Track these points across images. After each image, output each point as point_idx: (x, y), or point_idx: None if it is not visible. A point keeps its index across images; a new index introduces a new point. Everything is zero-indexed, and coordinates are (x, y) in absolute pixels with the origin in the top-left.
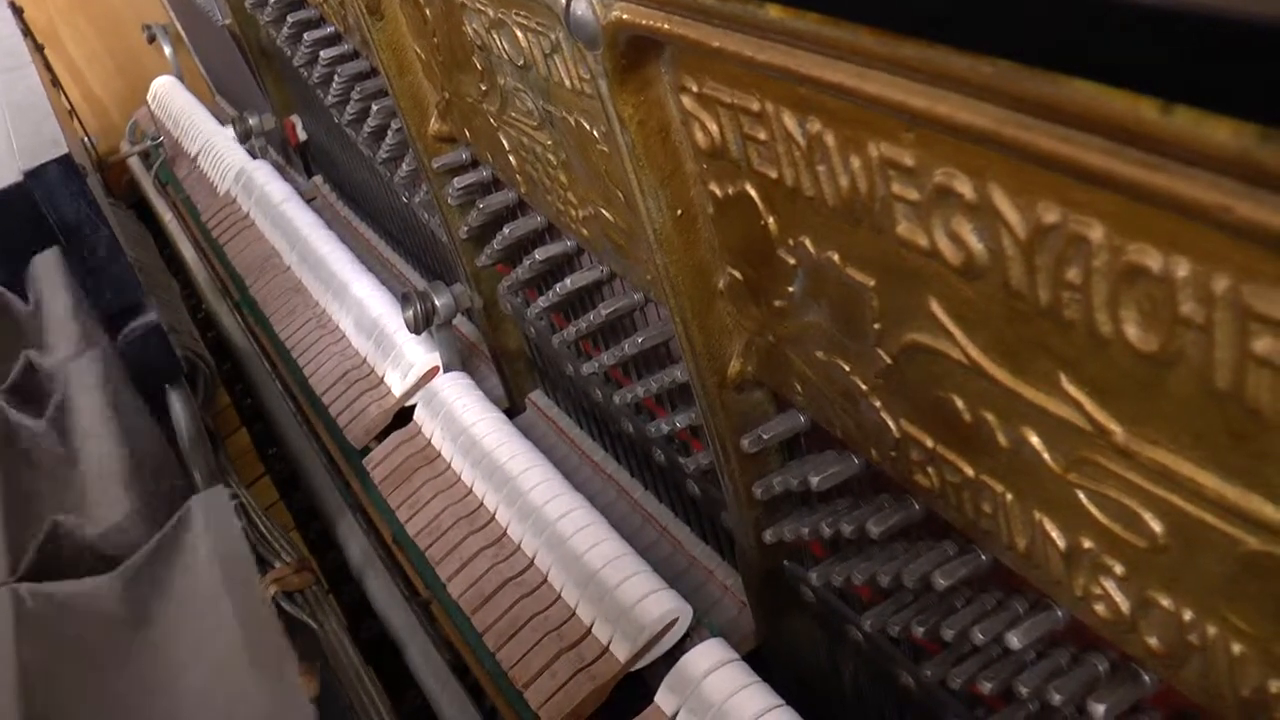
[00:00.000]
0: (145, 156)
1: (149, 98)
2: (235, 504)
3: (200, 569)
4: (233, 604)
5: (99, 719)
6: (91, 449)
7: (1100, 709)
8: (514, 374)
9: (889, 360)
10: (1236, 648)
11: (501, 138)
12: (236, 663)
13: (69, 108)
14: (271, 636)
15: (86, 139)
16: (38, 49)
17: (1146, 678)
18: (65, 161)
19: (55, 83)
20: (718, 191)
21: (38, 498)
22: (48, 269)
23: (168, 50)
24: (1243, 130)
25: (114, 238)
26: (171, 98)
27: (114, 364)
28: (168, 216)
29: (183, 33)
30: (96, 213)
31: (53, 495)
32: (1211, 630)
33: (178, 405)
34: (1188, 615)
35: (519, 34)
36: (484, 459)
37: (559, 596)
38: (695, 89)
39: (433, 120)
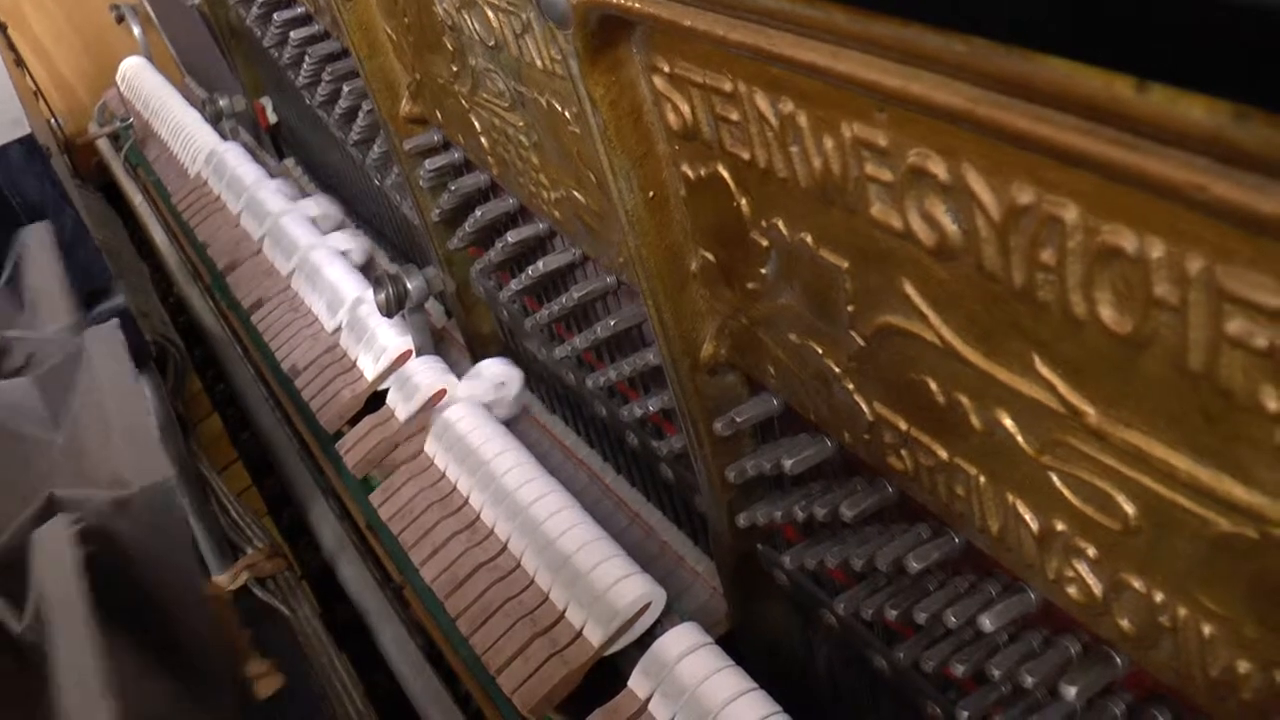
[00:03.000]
0: (114, 138)
1: (118, 79)
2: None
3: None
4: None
5: None
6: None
7: (1072, 691)
8: (487, 358)
9: (862, 343)
10: (1207, 629)
11: (473, 119)
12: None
13: (34, 88)
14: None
15: (53, 120)
16: (0, 28)
17: (1118, 660)
18: (28, 142)
19: (19, 62)
20: (690, 173)
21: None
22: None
23: (136, 30)
24: (1217, 108)
25: (80, 220)
26: (141, 79)
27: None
28: (137, 199)
29: (151, 12)
30: (61, 194)
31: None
32: (1183, 612)
33: (147, 390)
34: (1159, 597)
35: (490, 14)
36: (456, 443)
37: (532, 581)
38: (667, 69)
39: (404, 102)
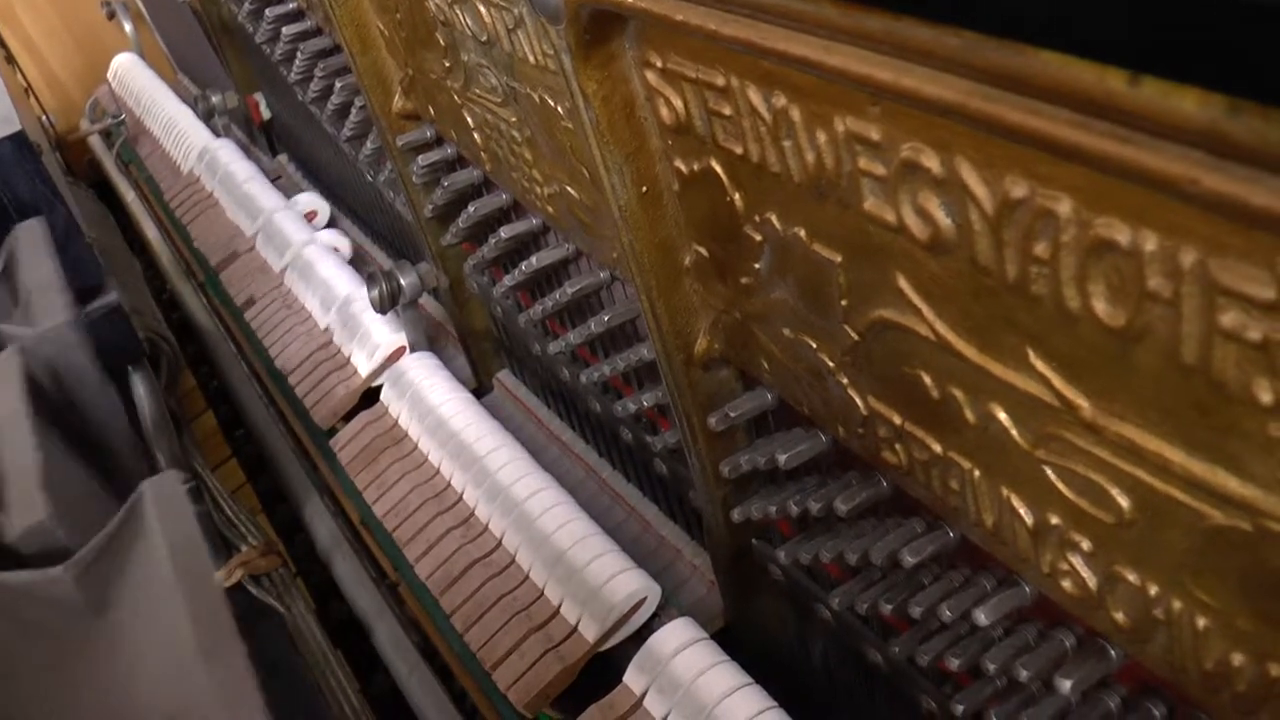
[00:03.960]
0: (106, 135)
1: (109, 75)
2: (189, 488)
3: (154, 558)
4: (185, 594)
5: (54, 705)
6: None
7: (1067, 684)
8: (481, 353)
9: (856, 337)
10: (1201, 622)
11: (465, 115)
12: (187, 651)
13: (25, 85)
14: (223, 625)
15: (44, 117)
16: None
17: (1113, 652)
18: (18, 139)
19: (10, 59)
20: (683, 168)
21: None
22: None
23: (128, 27)
24: (1210, 101)
25: (71, 217)
26: (133, 75)
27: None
28: (130, 196)
29: (143, 9)
30: (53, 191)
31: None
32: (1177, 605)
33: (140, 387)
34: (1154, 590)
35: (482, 9)
36: (451, 439)
37: (527, 577)
38: (659, 64)
39: (396, 97)
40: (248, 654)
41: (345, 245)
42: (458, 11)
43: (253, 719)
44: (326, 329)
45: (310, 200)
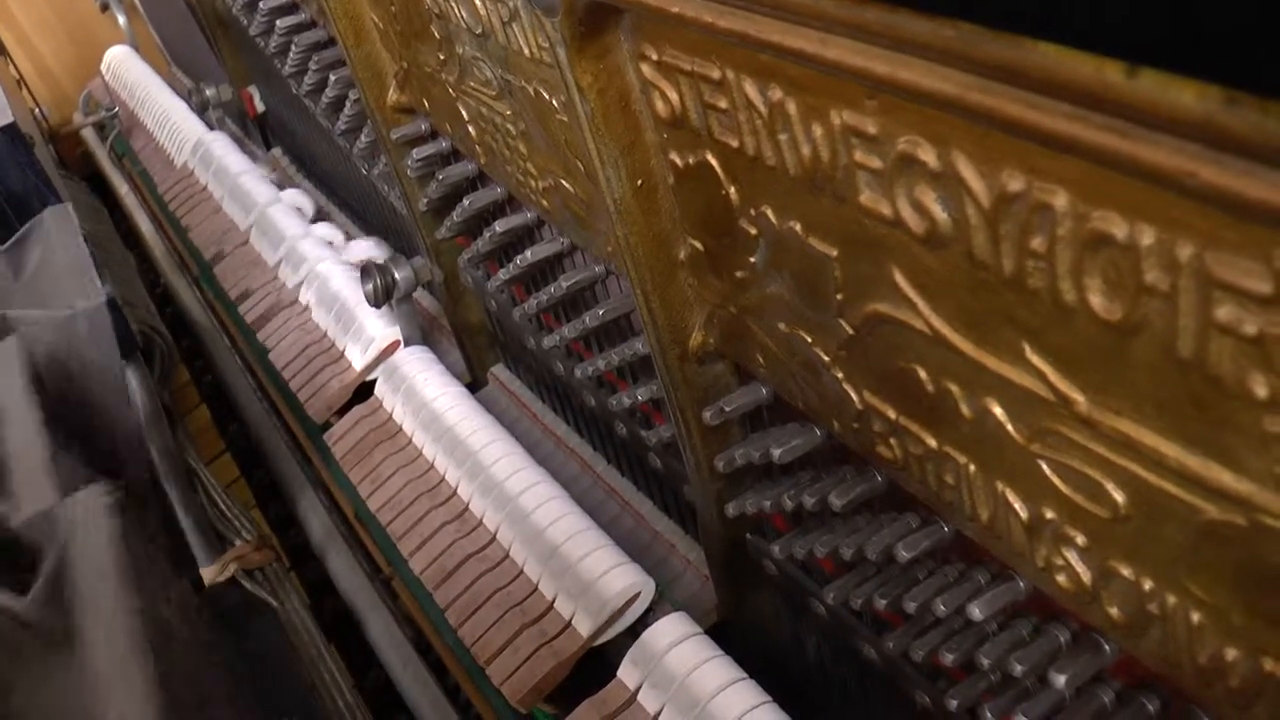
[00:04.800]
0: (100, 128)
1: (103, 68)
2: (112, 500)
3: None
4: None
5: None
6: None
7: (1061, 679)
8: (475, 348)
9: (851, 331)
10: (1195, 616)
11: (460, 108)
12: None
13: (17, 77)
14: (136, 647)
15: (37, 109)
16: None
17: (1107, 647)
18: (10, 131)
19: (2, 51)
20: (678, 161)
21: None
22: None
23: (121, 19)
24: (1208, 93)
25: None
26: (126, 68)
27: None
28: (124, 189)
29: (136, 1)
30: (45, 183)
31: None
32: (1171, 599)
33: (134, 381)
34: (1148, 585)
35: (477, 1)
36: (445, 434)
37: (521, 572)
38: (655, 57)
39: (391, 90)
40: (157, 679)
41: (308, 205)
42: (453, 4)
43: None
44: (321, 323)
45: (295, 197)
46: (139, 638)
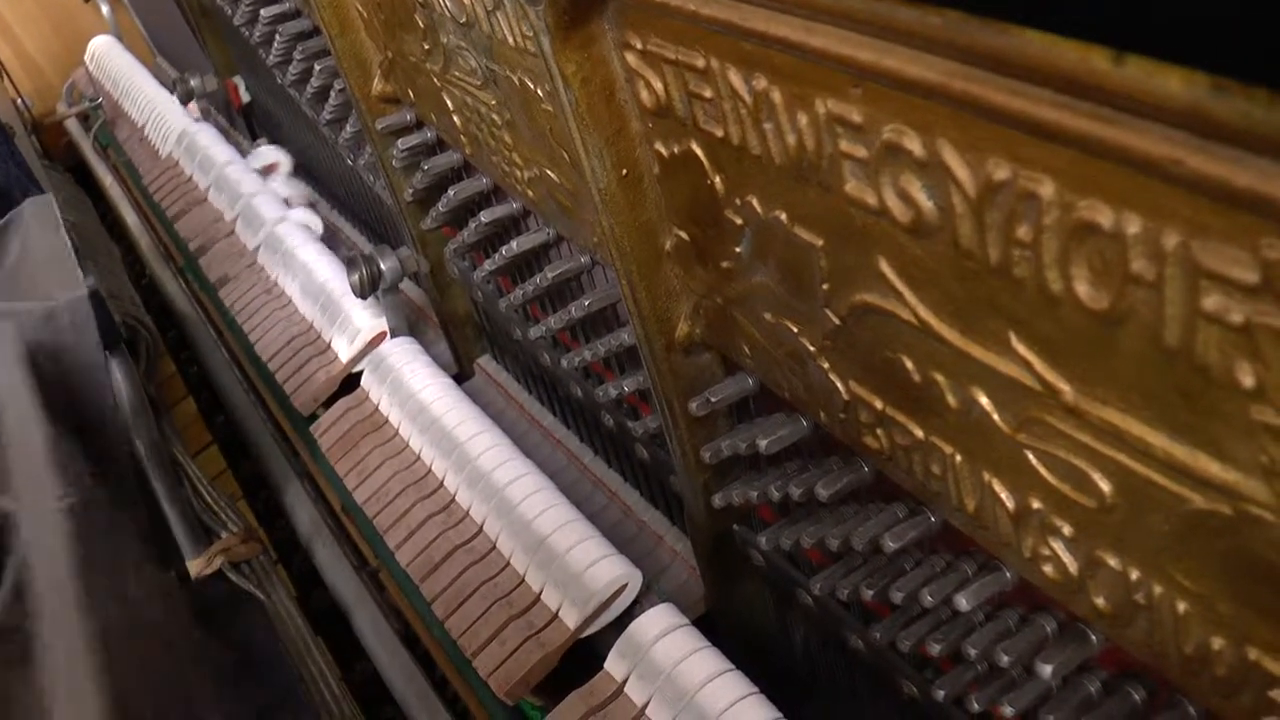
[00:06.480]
0: (84, 119)
1: (87, 58)
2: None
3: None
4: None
5: None
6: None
7: (1048, 669)
8: (461, 339)
9: (837, 321)
10: (1181, 606)
11: (445, 98)
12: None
13: None
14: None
15: (19, 99)
16: None
17: (1093, 637)
18: None
19: None
20: (663, 151)
21: None
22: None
23: (105, 9)
24: (1194, 81)
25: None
26: (110, 58)
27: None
28: (108, 180)
29: None
30: (27, 174)
31: None
32: (1158, 589)
33: (118, 373)
34: (1135, 575)
35: None
36: (432, 425)
37: (508, 563)
38: (639, 46)
39: (376, 80)
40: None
41: (317, 223)
42: None
43: None
44: (307, 314)
45: (271, 152)
46: (97, 649)
